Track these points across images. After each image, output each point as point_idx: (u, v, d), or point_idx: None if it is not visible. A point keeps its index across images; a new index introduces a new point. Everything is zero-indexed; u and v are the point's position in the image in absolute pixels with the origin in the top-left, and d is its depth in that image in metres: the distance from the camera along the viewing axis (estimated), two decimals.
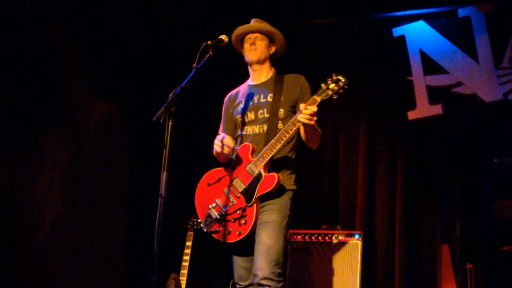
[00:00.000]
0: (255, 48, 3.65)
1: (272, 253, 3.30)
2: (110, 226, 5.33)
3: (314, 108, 3.19)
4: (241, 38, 3.73)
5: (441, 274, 4.88)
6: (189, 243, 4.78)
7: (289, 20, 5.65)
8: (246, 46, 3.69)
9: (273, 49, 3.73)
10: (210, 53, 3.18)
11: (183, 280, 4.69)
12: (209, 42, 3.21)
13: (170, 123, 2.90)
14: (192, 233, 4.83)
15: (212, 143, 3.61)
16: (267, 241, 3.32)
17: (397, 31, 5.39)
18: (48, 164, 4.97)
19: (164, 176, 2.84)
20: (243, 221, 3.40)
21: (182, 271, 4.73)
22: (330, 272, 4.74)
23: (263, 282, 3.27)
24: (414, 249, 5.11)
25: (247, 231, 3.38)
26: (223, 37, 3.30)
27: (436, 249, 5.00)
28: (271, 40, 3.72)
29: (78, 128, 5.19)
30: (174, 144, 2.89)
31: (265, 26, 3.71)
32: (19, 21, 4.75)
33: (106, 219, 5.29)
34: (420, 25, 5.32)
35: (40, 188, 4.90)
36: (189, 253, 4.75)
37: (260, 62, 3.68)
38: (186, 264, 4.74)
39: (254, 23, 3.74)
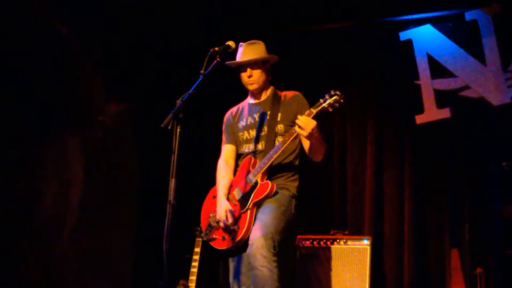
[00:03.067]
0: (253, 80, 3.67)
1: (269, 228, 3.35)
2: (119, 233, 5.34)
3: (305, 118, 3.31)
4: (235, 66, 3.73)
5: (450, 279, 4.86)
6: (197, 249, 4.77)
7: (295, 24, 5.67)
8: (244, 76, 3.69)
9: (268, 67, 3.73)
10: (217, 59, 3.21)
11: (192, 286, 4.69)
12: (216, 49, 3.23)
13: (178, 130, 2.92)
14: (200, 239, 4.82)
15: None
16: (265, 219, 3.41)
17: (404, 35, 5.37)
18: (57, 168, 5.00)
19: (172, 182, 2.85)
20: (236, 227, 3.50)
21: (191, 277, 4.73)
22: (339, 278, 4.73)
23: (257, 250, 3.27)
24: (423, 254, 5.10)
25: (240, 236, 3.48)
26: (230, 43, 3.33)
27: (446, 254, 4.98)
28: (265, 61, 3.70)
29: (89, 135, 5.22)
30: (183, 151, 2.90)
31: (257, 53, 3.66)
32: (34, 25, 4.78)
33: (115, 225, 5.30)
34: (427, 29, 5.30)
35: (50, 194, 4.93)
36: (198, 259, 4.74)
37: (260, 89, 3.73)
38: (194, 270, 4.73)
39: (246, 51, 3.67)
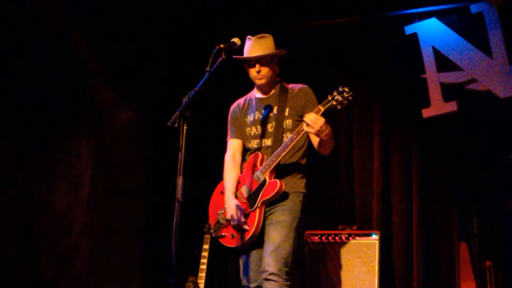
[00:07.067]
0: (262, 75, 3.62)
1: (281, 251, 3.36)
2: (129, 231, 5.37)
3: (313, 115, 3.26)
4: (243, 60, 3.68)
5: (459, 272, 4.85)
6: (206, 246, 4.79)
7: (300, 21, 5.66)
8: (252, 72, 3.63)
9: (276, 62, 3.68)
10: (223, 56, 3.20)
11: (201, 282, 4.70)
12: (221, 46, 3.22)
13: (185, 127, 2.92)
14: (209, 236, 4.83)
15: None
16: (277, 240, 3.39)
17: (410, 29, 5.35)
18: (68, 170, 5.03)
19: (180, 180, 2.86)
20: (246, 226, 3.48)
21: (200, 274, 4.74)
22: (347, 273, 4.73)
23: (270, 277, 3.32)
24: (432, 248, 5.09)
25: (250, 235, 3.48)
26: (236, 40, 3.32)
27: (454, 247, 4.97)
28: (273, 55, 3.65)
29: (97, 134, 5.24)
30: (190, 148, 2.91)
31: (267, 47, 3.60)
32: (44, 29, 4.81)
33: (124, 224, 5.33)
34: (433, 22, 5.28)
35: (60, 194, 4.97)
36: (207, 256, 4.76)
37: (268, 83, 3.67)
38: (203, 267, 4.74)
39: (255, 45, 3.61)
